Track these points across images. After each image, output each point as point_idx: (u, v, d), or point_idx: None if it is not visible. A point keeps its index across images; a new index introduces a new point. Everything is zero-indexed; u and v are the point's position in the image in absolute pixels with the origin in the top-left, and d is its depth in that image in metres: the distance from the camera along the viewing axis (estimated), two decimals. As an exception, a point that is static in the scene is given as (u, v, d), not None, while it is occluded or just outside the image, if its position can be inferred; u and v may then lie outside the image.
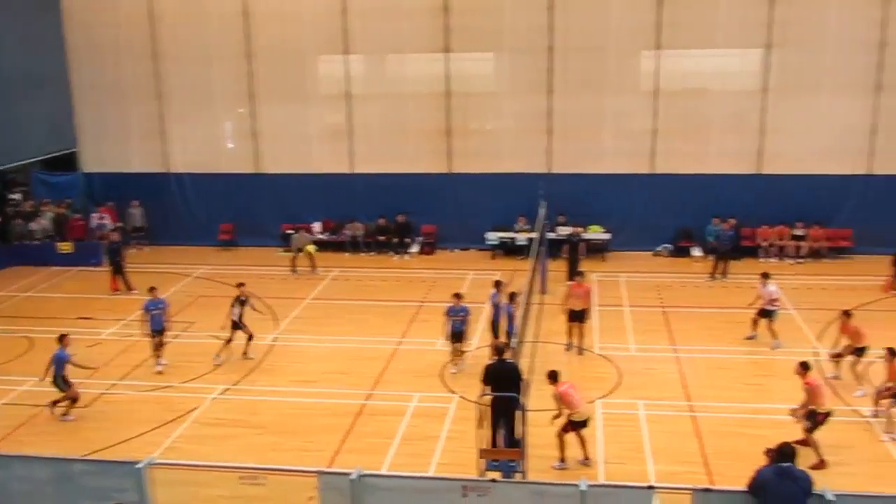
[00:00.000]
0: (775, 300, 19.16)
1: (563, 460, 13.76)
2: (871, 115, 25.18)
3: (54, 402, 15.98)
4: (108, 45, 28.47)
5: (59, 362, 15.86)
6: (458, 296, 18.22)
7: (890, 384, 14.90)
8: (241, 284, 19.24)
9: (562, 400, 13.61)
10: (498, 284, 18.37)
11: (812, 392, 14.05)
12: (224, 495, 11.33)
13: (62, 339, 16.19)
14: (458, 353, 17.90)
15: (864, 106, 25.18)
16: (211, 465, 11.94)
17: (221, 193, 28.79)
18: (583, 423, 13.79)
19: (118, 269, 23.94)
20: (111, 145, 29.30)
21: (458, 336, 17.77)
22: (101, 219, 27.97)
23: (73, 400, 15.97)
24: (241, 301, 18.70)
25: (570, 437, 13.86)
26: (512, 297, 17.90)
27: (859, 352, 16.75)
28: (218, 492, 11.77)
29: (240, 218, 28.84)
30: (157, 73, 28.33)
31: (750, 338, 19.29)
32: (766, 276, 19.45)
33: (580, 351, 18.72)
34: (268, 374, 18.04)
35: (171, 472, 10.42)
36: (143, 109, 28.73)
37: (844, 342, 17.08)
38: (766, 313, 19.07)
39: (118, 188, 28.92)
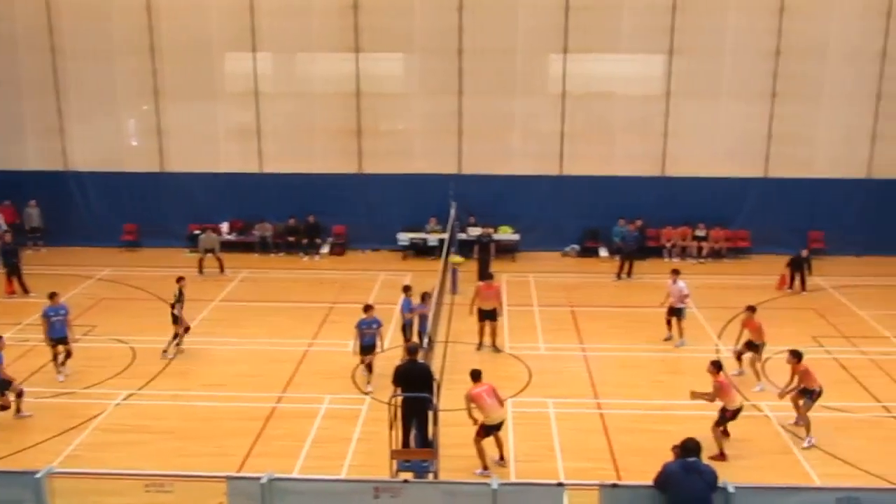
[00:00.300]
0: (685, 296, 19.53)
1: (485, 468, 13.60)
2: (767, 121, 26.17)
3: None
4: (2, 39, 27.31)
5: None
6: (369, 308, 17.44)
7: (794, 385, 15.23)
8: (180, 279, 19.18)
9: (473, 401, 13.64)
10: (407, 290, 18.32)
11: (720, 390, 14.49)
12: (129, 503, 11.03)
13: None
14: (368, 369, 17.22)
15: (760, 112, 26.16)
16: (114, 472, 11.62)
17: (125, 193, 27.95)
18: (496, 427, 13.83)
19: (14, 272, 23.04)
20: (5, 143, 28.08)
21: (368, 349, 17.20)
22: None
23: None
24: (179, 294, 18.74)
25: (488, 440, 13.90)
26: (424, 297, 17.95)
27: (755, 347, 17.31)
28: (122, 500, 11.42)
29: (144, 218, 28.04)
30: (56, 67, 27.33)
31: (667, 339, 19.58)
32: (676, 272, 19.82)
33: (497, 350, 18.87)
34: (175, 377, 17.62)
35: (73, 481, 10.08)
36: (40, 105, 27.63)
37: (745, 338, 17.54)
38: (675, 311, 19.45)
39: (13, 187, 27.77)
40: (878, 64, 25.54)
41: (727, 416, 14.41)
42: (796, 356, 15.18)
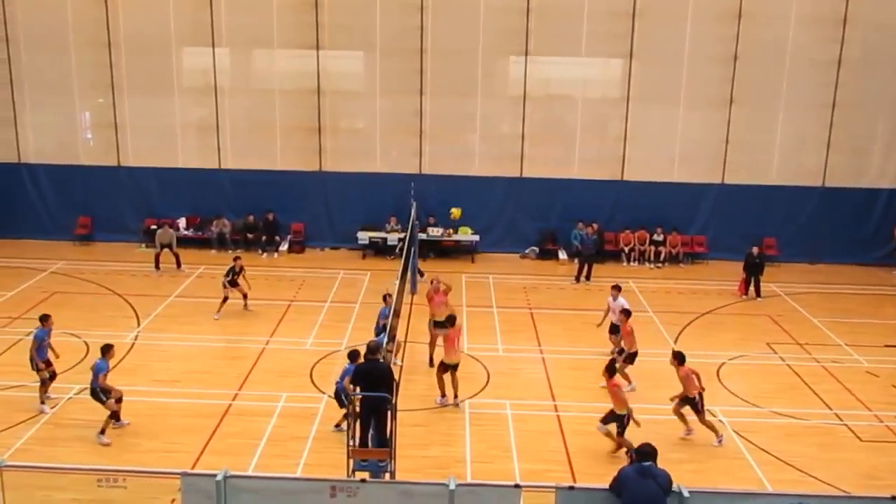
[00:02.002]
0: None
1: (443, 395, 16.22)
2: (724, 127, 26.51)
3: None
4: (-47, 27, 26.80)
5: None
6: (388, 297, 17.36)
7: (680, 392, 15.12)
8: (237, 258, 21.34)
9: (444, 342, 16.41)
10: (387, 298, 17.55)
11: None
12: (80, 498, 10.88)
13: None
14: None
15: (718, 118, 26.48)
16: (66, 467, 11.43)
17: (79, 186, 27.50)
18: (453, 367, 15.99)
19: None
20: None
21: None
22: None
23: None
24: (234, 271, 20.81)
25: (446, 378, 16.05)
26: (385, 298, 17.87)
27: (630, 357, 17.21)
28: (73, 495, 11.29)
29: (98, 212, 27.62)
30: (9, 58, 26.80)
31: (617, 351, 18.39)
32: (617, 288, 18.78)
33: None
34: (128, 373, 17.32)
35: (24, 475, 9.88)
36: (-8, 96, 27.18)
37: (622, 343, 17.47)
38: (615, 329, 18.40)
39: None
40: (833, 72, 25.97)
41: (625, 422, 14.37)
42: (678, 359, 15.12)
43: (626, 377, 17.01)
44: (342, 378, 14.47)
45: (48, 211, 27.70)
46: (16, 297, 21.99)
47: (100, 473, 9.77)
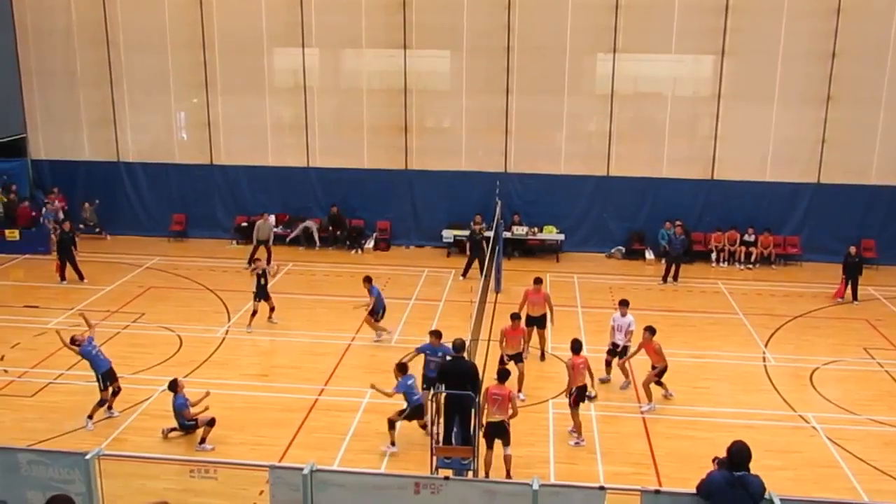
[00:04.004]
0: (631, 333, 17.12)
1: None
2: (820, 126, 25.67)
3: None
4: (58, 29, 27.88)
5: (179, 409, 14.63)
6: (437, 334, 15.35)
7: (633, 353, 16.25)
8: (256, 260, 20.92)
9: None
10: (436, 335, 15.50)
11: (572, 370, 14.69)
12: (173, 488, 11.19)
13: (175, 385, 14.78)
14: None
15: (814, 116, 25.65)
16: (161, 457, 11.78)
17: (174, 184, 28.42)
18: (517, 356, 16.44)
19: (70, 259, 23.41)
20: (61, 132, 28.72)
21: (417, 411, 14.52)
22: (51, 205, 27.23)
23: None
24: (258, 274, 19.83)
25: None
26: (367, 280, 19.35)
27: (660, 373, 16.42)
28: (166, 485, 11.64)
29: (192, 209, 28.45)
30: (110, 59, 27.81)
31: (604, 381, 17.31)
32: (625, 304, 17.41)
33: (542, 356, 18.69)
34: (218, 367, 17.81)
35: (119, 464, 10.23)
36: (94, 96, 28.20)
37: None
38: (618, 351, 17.23)
39: (67, 177, 28.40)
40: (939, 68, 24.90)
41: (577, 397, 14.78)
42: (651, 332, 15.97)
43: (660, 387, 16.46)
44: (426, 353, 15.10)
45: (145, 208, 28.67)
46: (113, 291, 22.79)
47: (192, 464, 10.04)
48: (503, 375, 13.39)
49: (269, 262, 24.92)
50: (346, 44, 27.59)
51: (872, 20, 24.95)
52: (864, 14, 24.86)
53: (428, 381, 14.77)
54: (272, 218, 26.93)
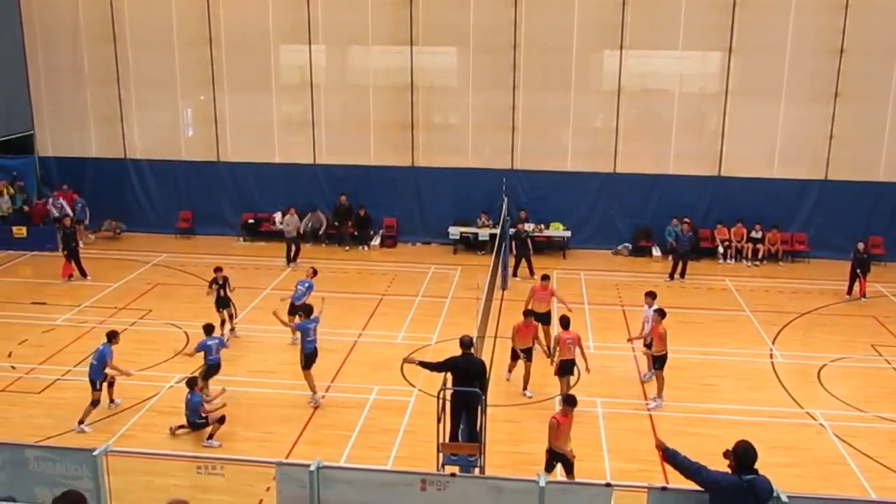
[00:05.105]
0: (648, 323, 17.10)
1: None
2: (828, 122, 25.57)
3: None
4: (66, 27, 27.94)
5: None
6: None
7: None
8: (218, 269, 19.38)
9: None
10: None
11: (558, 344, 15.80)
12: (180, 484, 11.21)
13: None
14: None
15: (821, 112, 25.56)
16: (169, 453, 11.80)
17: (181, 181, 28.46)
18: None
19: (72, 255, 23.49)
20: (68, 129, 28.80)
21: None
22: (56, 201, 27.30)
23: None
24: (217, 283, 18.95)
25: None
26: (313, 272, 19.36)
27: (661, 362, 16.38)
28: (173, 481, 11.65)
29: (199, 206, 28.50)
30: (117, 56, 27.84)
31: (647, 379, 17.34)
32: (652, 295, 17.37)
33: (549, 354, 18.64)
34: (225, 363, 17.63)
35: (126, 460, 10.25)
36: (101, 93, 28.26)
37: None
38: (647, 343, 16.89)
39: (74, 173, 28.45)
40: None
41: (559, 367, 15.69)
42: (661, 314, 16.29)
43: (661, 383, 16.33)
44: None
45: (152, 205, 28.73)
46: (121, 287, 22.85)
47: (199, 460, 10.06)
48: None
49: (296, 258, 24.96)
50: (352, 40, 27.58)
51: (880, 16, 24.82)
52: (871, 10, 24.75)
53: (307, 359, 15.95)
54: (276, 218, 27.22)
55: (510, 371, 17.05)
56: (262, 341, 19.26)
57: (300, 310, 16.96)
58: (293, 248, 25.19)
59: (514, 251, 24.14)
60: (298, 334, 17.53)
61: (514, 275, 23.92)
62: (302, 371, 15.98)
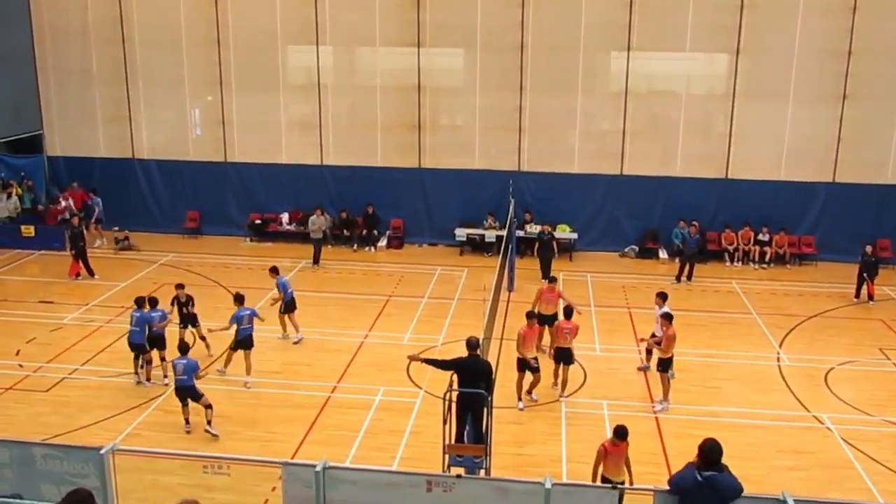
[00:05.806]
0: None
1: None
2: (835, 124, 25.50)
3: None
4: (75, 27, 28.03)
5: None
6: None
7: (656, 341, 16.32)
8: (179, 286, 18.39)
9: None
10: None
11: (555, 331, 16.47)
12: (185, 483, 11.24)
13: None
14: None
15: (829, 114, 25.48)
16: (175, 452, 11.82)
17: (188, 181, 28.52)
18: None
19: (79, 254, 23.55)
20: (76, 129, 28.89)
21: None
22: (65, 201, 27.40)
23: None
24: (179, 301, 18.08)
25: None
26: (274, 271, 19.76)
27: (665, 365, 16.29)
28: (180, 480, 11.68)
29: (206, 206, 28.56)
30: (125, 57, 27.92)
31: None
32: (663, 297, 17.41)
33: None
34: (232, 363, 17.82)
35: (132, 459, 10.27)
36: (109, 94, 28.33)
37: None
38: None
39: (82, 173, 28.55)
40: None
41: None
42: (668, 319, 16.15)
43: (666, 387, 16.24)
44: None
45: (159, 205, 28.79)
46: (128, 287, 22.88)
47: (205, 460, 10.06)
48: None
49: (317, 261, 25.07)
50: (359, 42, 27.61)
51: (888, 17, 24.71)
52: (879, 11, 24.65)
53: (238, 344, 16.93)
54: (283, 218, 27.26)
55: (519, 392, 16.13)
56: (265, 342, 19.22)
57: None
58: (319, 248, 25.18)
59: (538, 253, 24.14)
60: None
61: (544, 277, 22.82)
62: (229, 350, 17.13)
